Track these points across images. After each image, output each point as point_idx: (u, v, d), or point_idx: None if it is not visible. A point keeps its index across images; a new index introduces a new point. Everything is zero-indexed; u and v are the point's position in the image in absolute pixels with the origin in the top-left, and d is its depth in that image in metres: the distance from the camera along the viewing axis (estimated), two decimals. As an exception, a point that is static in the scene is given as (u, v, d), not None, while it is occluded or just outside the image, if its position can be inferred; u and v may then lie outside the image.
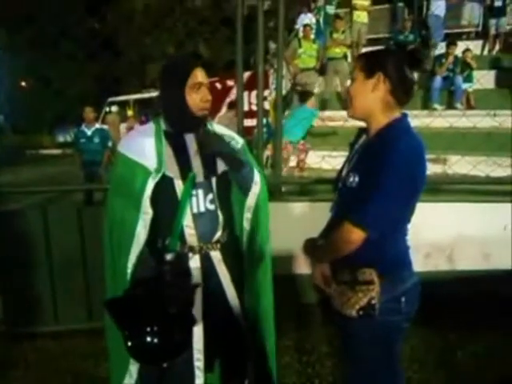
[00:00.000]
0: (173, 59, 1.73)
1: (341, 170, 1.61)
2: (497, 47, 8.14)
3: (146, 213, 1.55)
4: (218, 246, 1.64)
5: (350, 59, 7.91)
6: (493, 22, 8.02)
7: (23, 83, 20.26)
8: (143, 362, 1.50)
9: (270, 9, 4.08)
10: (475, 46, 7.93)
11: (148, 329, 1.35)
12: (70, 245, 2.86)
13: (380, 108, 1.46)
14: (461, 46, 7.27)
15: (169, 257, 1.56)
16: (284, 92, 5.92)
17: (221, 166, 1.64)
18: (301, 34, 7.50)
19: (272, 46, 7.00)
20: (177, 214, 1.55)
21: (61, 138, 22.24)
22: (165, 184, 1.55)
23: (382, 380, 1.54)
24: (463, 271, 3.15)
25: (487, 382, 2.40)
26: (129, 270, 1.57)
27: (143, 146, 1.58)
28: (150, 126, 1.65)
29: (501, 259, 3.12)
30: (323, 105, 7.56)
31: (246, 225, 1.72)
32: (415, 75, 1.49)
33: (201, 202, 1.60)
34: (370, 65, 1.46)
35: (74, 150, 6.42)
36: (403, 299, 1.47)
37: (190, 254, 1.60)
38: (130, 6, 15.60)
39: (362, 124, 1.56)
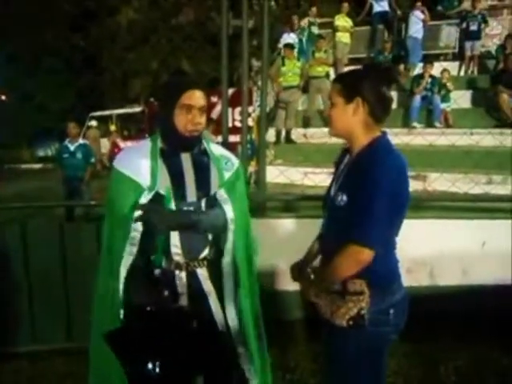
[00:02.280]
0: (171, 79, 1.74)
1: (329, 190, 1.64)
2: (473, 68, 8.42)
3: (137, 230, 1.54)
4: (205, 263, 1.63)
5: (332, 78, 8.08)
6: (468, 44, 8.31)
7: (3, 97, 19.99)
8: None
9: (254, 28, 4.16)
10: (452, 68, 8.20)
11: (150, 365, 1.38)
12: (50, 262, 2.80)
13: (361, 129, 1.52)
14: (439, 67, 7.52)
15: (157, 272, 1.57)
16: (268, 109, 5.99)
17: (214, 188, 1.64)
18: (283, 53, 7.63)
19: (255, 63, 7.11)
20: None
21: (41, 153, 21.87)
22: (157, 202, 1.55)
23: None
24: (444, 286, 3.20)
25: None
26: (121, 285, 1.56)
27: (138, 163, 1.58)
28: (147, 143, 1.65)
29: (479, 275, 3.18)
30: (306, 122, 7.67)
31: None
32: (395, 94, 1.55)
33: None
34: (347, 90, 1.52)
35: (56, 165, 6.38)
36: (392, 311, 1.50)
37: (177, 272, 1.59)
38: (113, 22, 15.63)
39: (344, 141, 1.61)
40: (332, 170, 1.70)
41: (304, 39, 8.85)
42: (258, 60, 6.13)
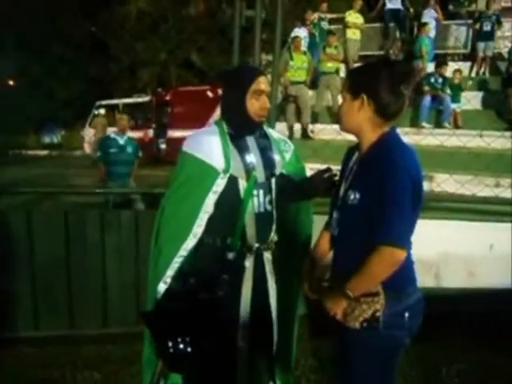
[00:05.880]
0: (236, 67, 1.87)
1: (337, 189, 1.60)
2: (485, 70, 8.33)
3: (207, 211, 1.61)
4: (272, 245, 1.72)
5: (342, 74, 8.02)
6: (481, 45, 8.20)
7: (11, 82, 19.98)
8: (176, 371, 1.60)
9: (264, 22, 4.11)
10: (463, 68, 8.11)
11: (180, 339, 1.46)
12: (54, 248, 2.79)
13: (368, 126, 1.48)
14: (450, 67, 7.45)
15: (230, 256, 1.63)
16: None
17: (278, 169, 1.73)
18: (291, 47, 7.55)
19: (264, 57, 7.03)
20: (239, 214, 1.62)
21: (47, 140, 21.87)
22: (229, 184, 1.63)
23: None
24: (449, 288, 3.18)
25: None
26: (176, 265, 1.63)
27: (211, 147, 1.64)
28: (214, 128, 1.70)
29: (486, 278, 3.15)
30: (314, 118, 7.62)
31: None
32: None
33: (261, 202, 1.67)
34: (354, 86, 1.48)
35: (97, 159, 5.58)
36: (407, 314, 1.46)
37: (248, 254, 1.66)
38: (123, 11, 15.60)
39: (354, 138, 1.57)
40: (340, 166, 1.66)
41: (316, 33, 8.77)
42: (267, 54, 6.07)
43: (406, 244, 1.39)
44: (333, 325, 1.52)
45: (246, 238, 1.65)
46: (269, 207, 1.68)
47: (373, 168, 1.43)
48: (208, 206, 1.61)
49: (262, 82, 1.65)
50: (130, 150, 5.28)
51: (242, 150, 1.67)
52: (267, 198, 1.68)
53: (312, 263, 1.70)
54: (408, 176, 1.38)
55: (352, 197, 1.47)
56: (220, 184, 1.61)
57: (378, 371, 1.50)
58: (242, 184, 1.63)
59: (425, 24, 8.07)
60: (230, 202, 1.62)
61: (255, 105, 1.63)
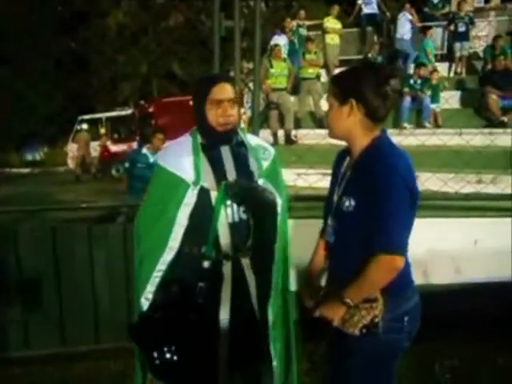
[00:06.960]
0: (201, 77, 1.84)
1: (330, 195, 1.59)
2: (462, 69, 8.52)
3: (181, 224, 1.60)
4: (249, 253, 1.68)
5: (323, 79, 8.12)
6: (458, 45, 8.40)
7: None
8: (164, 380, 1.60)
9: (244, 30, 4.15)
10: (442, 69, 8.28)
11: (166, 348, 1.47)
12: (43, 265, 2.77)
13: (359, 131, 1.47)
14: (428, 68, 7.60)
15: (206, 264, 1.63)
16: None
17: (254, 178, 1.70)
18: (272, 54, 7.63)
19: (245, 65, 7.09)
20: (211, 224, 1.61)
21: (29, 157, 21.56)
22: (201, 195, 1.61)
23: None
24: (437, 285, 3.22)
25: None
26: (156, 279, 1.63)
27: (181, 159, 1.63)
28: (187, 139, 1.69)
29: (472, 273, 3.20)
30: (297, 124, 7.69)
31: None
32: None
33: (235, 211, 1.64)
34: (341, 92, 1.47)
35: (123, 172, 5.59)
36: (406, 318, 1.47)
37: (224, 261, 1.65)
38: (103, 25, 15.58)
39: (338, 142, 1.58)
40: (325, 170, 1.68)
41: (296, 40, 8.88)
42: (248, 62, 6.12)
43: (404, 250, 1.40)
44: (330, 331, 1.52)
45: (221, 246, 1.63)
46: (243, 216, 1.64)
47: (366, 173, 1.42)
48: (181, 218, 1.59)
49: (221, 91, 1.60)
50: None
51: (215, 160, 1.65)
52: (241, 208, 1.64)
53: (309, 271, 1.70)
54: (402, 180, 1.39)
55: (347, 203, 1.46)
56: (191, 196, 1.59)
57: (377, 376, 1.50)
58: (214, 195, 1.61)
59: (429, 28, 8.41)
60: (204, 213, 1.61)
61: (214, 114, 1.60)
